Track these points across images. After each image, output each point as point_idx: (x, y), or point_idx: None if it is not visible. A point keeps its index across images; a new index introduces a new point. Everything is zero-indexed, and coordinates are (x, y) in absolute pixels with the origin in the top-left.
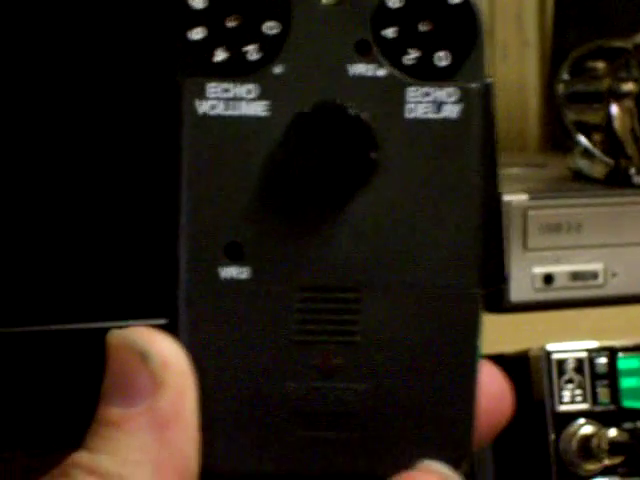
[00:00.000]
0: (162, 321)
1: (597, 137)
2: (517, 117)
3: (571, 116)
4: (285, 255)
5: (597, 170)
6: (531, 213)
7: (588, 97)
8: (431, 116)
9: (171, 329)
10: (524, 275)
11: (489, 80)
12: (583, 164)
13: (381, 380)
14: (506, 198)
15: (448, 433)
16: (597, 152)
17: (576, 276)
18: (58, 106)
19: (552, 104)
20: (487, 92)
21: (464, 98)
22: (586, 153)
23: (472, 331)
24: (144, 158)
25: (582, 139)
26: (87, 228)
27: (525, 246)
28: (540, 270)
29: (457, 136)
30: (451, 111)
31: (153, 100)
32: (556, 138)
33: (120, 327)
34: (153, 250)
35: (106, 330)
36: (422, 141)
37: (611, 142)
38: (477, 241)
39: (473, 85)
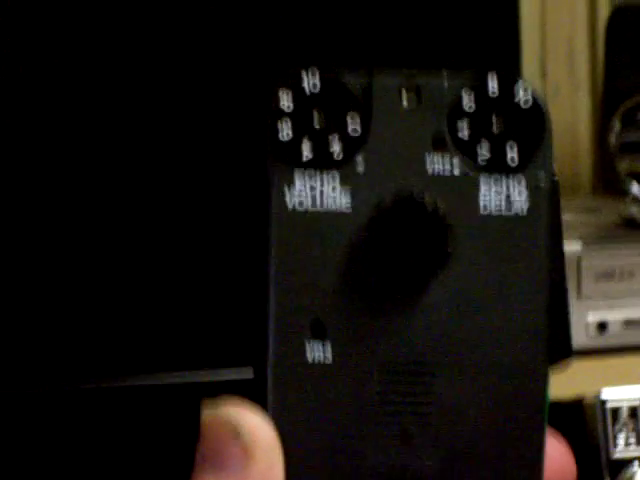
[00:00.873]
0: (249, 374)
1: None
2: (569, 159)
3: (623, 165)
4: (365, 338)
5: None
6: (585, 261)
7: (638, 146)
8: (502, 211)
9: (258, 384)
10: (578, 322)
11: (555, 177)
12: (635, 212)
13: (455, 452)
14: None
15: None
16: None
17: (630, 323)
18: (159, 186)
19: (604, 147)
20: (554, 188)
21: (532, 194)
22: (638, 201)
23: (540, 405)
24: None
25: (634, 188)
26: (182, 283)
27: (579, 294)
28: (594, 317)
29: (525, 230)
30: (520, 207)
31: (244, 187)
32: (608, 181)
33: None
34: (243, 309)
35: (196, 384)
36: (493, 234)
37: None
38: (543, 324)
39: (542, 181)
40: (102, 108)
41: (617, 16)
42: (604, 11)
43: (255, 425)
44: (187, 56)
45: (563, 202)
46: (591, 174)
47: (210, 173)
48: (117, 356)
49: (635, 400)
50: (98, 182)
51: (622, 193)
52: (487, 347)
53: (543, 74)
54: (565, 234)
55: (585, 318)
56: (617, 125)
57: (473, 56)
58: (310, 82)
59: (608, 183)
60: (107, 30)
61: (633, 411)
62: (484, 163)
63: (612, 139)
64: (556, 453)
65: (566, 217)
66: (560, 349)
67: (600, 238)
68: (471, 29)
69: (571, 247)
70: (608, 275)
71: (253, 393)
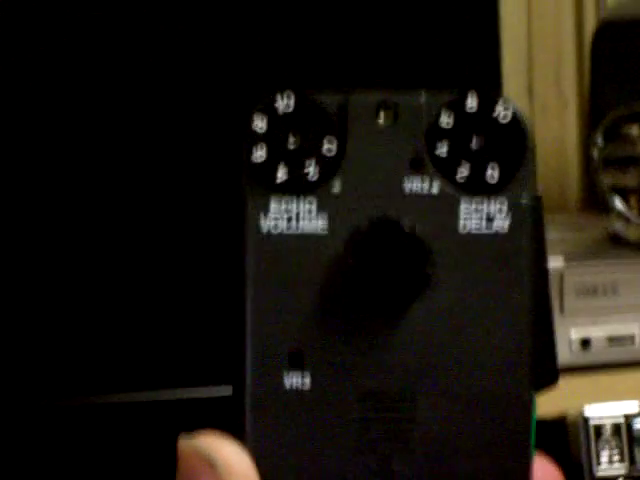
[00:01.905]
0: (227, 391)
1: (633, 200)
2: (557, 177)
3: (607, 180)
4: (344, 364)
5: (633, 233)
6: (568, 277)
7: (623, 161)
8: (482, 230)
9: (236, 411)
10: (561, 339)
11: (538, 193)
12: (619, 227)
13: None
14: None
15: None
16: (632, 215)
17: (613, 339)
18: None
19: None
20: (536, 205)
21: (514, 212)
22: (622, 216)
23: (526, 433)
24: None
25: (617, 202)
26: (164, 305)
27: (562, 310)
28: (577, 334)
29: (507, 249)
30: (501, 225)
31: (221, 213)
32: (596, 199)
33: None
34: (222, 329)
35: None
36: (473, 254)
37: None
38: (528, 349)
39: (522, 200)
40: (87, 140)
41: (603, 31)
42: (591, 28)
43: (230, 456)
44: (169, 82)
45: (549, 219)
46: (579, 192)
47: (196, 197)
48: (101, 374)
49: (618, 417)
50: (88, 210)
51: (607, 211)
52: (469, 373)
53: (530, 92)
54: (548, 250)
55: (568, 335)
56: (599, 139)
57: (455, 78)
58: (284, 103)
59: (596, 200)
60: (93, 54)
61: (617, 428)
62: (463, 182)
63: (594, 153)
64: (545, 474)
65: (551, 234)
66: (546, 374)
67: (583, 254)
68: (452, 51)
69: (553, 263)
70: (591, 291)
71: (231, 417)
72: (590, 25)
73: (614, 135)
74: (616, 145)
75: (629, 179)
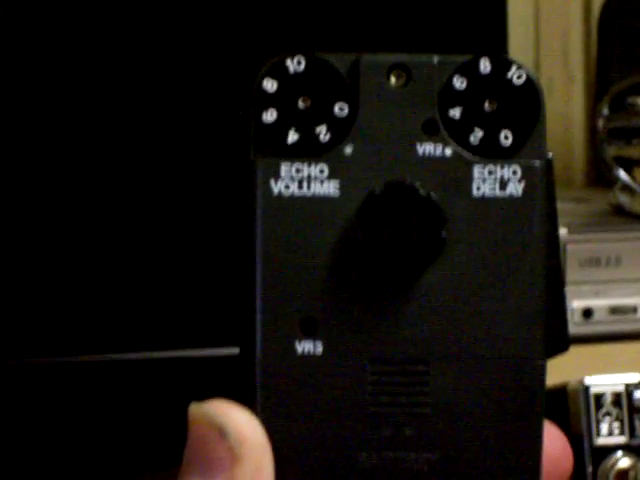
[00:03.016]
0: (235, 350)
1: (637, 172)
2: (562, 152)
3: (611, 151)
4: (358, 329)
5: (637, 205)
6: (570, 247)
7: (628, 132)
8: (496, 193)
9: (246, 377)
10: None
11: (550, 155)
12: (624, 199)
13: (451, 449)
14: None
15: None
16: (637, 187)
17: (615, 310)
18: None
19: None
20: (548, 167)
21: (527, 175)
22: (627, 188)
23: (537, 398)
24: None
25: (622, 174)
26: (168, 266)
27: (564, 280)
28: (579, 304)
29: (521, 212)
30: (515, 188)
31: (232, 175)
32: (602, 175)
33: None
34: (231, 291)
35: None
36: (487, 218)
37: None
38: (540, 313)
39: (536, 162)
40: (94, 100)
41: (610, 5)
42: (598, 3)
43: (242, 424)
44: (177, 49)
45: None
46: (585, 168)
47: (202, 159)
48: (110, 332)
49: (619, 387)
50: (91, 165)
51: (612, 184)
52: (482, 339)
53: (537, 68)
54: None
55: (570, 305)
56: (605, 110)
57: (460, 53)
58: (294, 64)
59: (601, 176)
60: (99, 22)
61: (617, 398)
62: (477, 145)
63: (599, 124)
64: (553, 441)
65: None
66: (556, 341)
67: (586, 225)
68: (458, 26)
69: None
70: (594, 261)
71: (240, 382)
72: (598, 1)
73: (619, 107)
74: (621, 116)
75: (634, 151)
